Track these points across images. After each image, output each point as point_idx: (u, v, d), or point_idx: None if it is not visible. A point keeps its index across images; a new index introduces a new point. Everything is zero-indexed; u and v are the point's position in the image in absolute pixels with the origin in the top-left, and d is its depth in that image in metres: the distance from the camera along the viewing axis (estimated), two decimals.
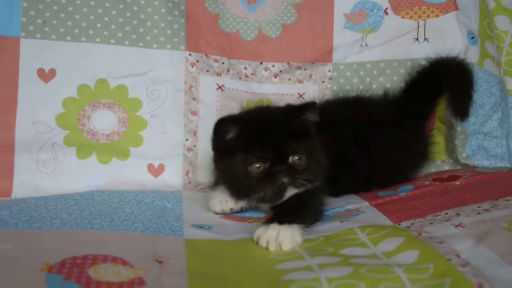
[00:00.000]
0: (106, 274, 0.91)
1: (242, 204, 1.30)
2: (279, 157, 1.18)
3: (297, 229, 1.11)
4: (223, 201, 1.29)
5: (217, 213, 1.31)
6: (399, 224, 1.16)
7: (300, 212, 1.17)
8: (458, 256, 0.94)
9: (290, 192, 1.21)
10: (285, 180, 1.18)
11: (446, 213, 1.16)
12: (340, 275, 0.90)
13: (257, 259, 1.03)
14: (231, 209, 1.29)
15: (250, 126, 1.22)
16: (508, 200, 1.18)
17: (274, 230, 1.09)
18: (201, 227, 1.20)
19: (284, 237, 1.08)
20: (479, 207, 1.16)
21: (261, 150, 1.18)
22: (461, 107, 1.48)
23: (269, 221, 1.13)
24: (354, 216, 1.26)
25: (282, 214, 1.15)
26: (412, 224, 1.14)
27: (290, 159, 1.19)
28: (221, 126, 1.21)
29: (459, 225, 1.08)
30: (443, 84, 1.53)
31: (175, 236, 1.13)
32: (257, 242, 1.09)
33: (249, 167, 1.18)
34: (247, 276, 0.96)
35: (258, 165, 1.18)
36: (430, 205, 1.24)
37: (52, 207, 1.26)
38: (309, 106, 1.25)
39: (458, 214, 1.14)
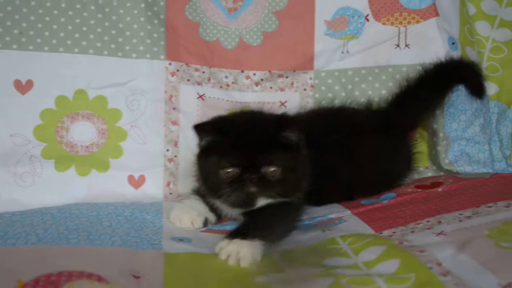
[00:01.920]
0: None
1: (197, 223, 1.27)
2: (251, 165, 1.17)
3: (259, 246, 1.07)
4: (177, 218, 1.28)
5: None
6: (381, 233, 1.15)
7: (267, 227, 1.15)
8: (439, 264, 0.93)
9: (262, 201, 1.20)
10: (253, 189, 1.17)
11: (428, 221, 1.15)
12: (320, 287, 0.89)
13: (238, 271, 1.01)
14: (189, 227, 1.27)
15: (226, 132, 1.21)
16: (490, 207, 1.17)
17: (235, 245, 1.06)
18: (180, 240, 1.18)
19: (244, 254, 1.04)
20: (461, 214, 1.15)
21: (234, 156, 1.17)
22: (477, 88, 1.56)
23: (232, 234, 1.11)
24: (336, 225, 1.24)
25: (247, 227, 1.13)
26: (394, 232, 1.13)
27: (263, 169, 1.17)
28: (196, 132, 1.22)
29: (440, 233, 1.07)
30: (456, 76, 1.57)
31: (153, 249, 1.10)
32: (217, 254, 1.07)
33: (221, 170, 1.17)
34: None
35: (229, 170, 1.17)
36: (412, 213, 1.22)
37: (28, 222, 1.22)
38: (287, 126, 1.21)
39: (440, 222, 1.13)
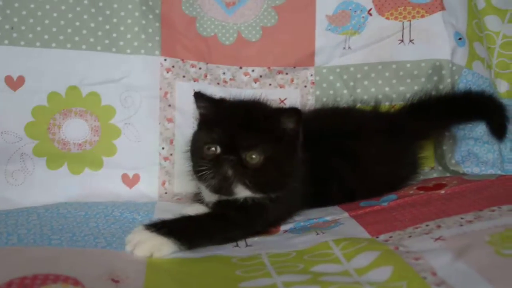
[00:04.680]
0: None
1: None
2: (232, 146, 1.13)
3: (167, 243, 1.05)
4: None
5: None
6: (377, 237, 1.09)
7: (191, 229, 1.11)
8: (434, 274, 0.87)
9: (241, 191, 1.15)
10: (230, 172, 1.12)
11: (427, 225, 1.09)
12: None
13: (220, 277, 0.97)
14: None
15: (220, 108, 1.20)
16: (493, 211, 1.10)
17: (140, 235, 1.06)
18: None
19: (143, 244, 1.04)
20: (462, 218, 1.09)
21: (217, 133, 1.14)
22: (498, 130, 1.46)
23: (150, 225, 1.08)
24: (332, 228, 1.19)
25: (167, 221, 1.10)
26: (390, 237, 1.07)
27: (244, 154, 1.13)
28: (195, 98, 1.24)
29: (439, 238, 1.01)
30: (481, 112, 1.49)
31: None
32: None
33: (205, 146, 1.15)
34: None
35: (212, 148, 1.14)
36: (411, 216, 1.16)
37: (12, 221, 1.19)
38: (285, 111, 1.19)
39: (439, 226, 1.07)
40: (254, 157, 1.13)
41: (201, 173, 1.14)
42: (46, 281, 0.88)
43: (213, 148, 1.14)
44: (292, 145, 1.19)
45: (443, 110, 1.47)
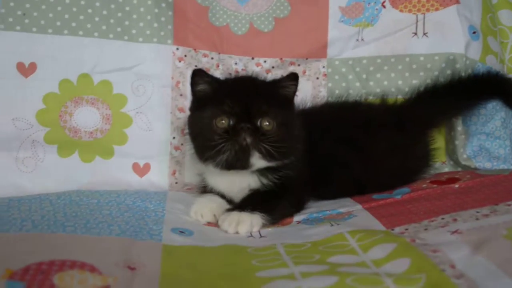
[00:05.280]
0: (71, 282, 0.85)
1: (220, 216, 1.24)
2: (246, 115, 1.15)
3: (258, 217, 1.15)
4: (198, 213, 1.23)
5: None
6: (392, 230, 1.09)
7: (265, 201, 1.18)
8: (453, 266, 0.87)
9: (258, 162, 1.18)
10: (248, 140, 1.14)
11: (443, 218, 1.09)
12: (323, 285, 0.83)
13: (237, 266, 0.96)
14: (208, 222, 1.23)
15: (223, 82, 1.25)
16: (509, 205, 1.10)
17: (235, 215, 1.15)
18: (181, 232, 1.13)
19: (243, 220, 1.14)
20: (477, 212, 1.09)
21: (229, 105, 1.16)
22: None
23: (231, 208, 1.19)
24: (346, 219, 1.19)
25: (245, 202, 1.21)
26: (406, 229, 1.07)
27: (259, 121, 1.16)
28: (193, 76, 1.23)
29: (455, 231, 1.00)
30: (492, 90, 1.50)
31: (152, 241, 1.06)
32: (220, 226, 1.16)
33: (215, 120, 1.16)
34: (225, 284, 0.89)
35: (223, 120, 1.16)
36: (426, 209, 1.16)
37: (25, 208, 1.19)
38: (286, 76, 1.26)
39: (455, 220, 1.07)
40: (268, 124, 1.17)
41: (213, 150, 1.16)
42: (63, 267, 0.88)
43: (224, 121, 1.16)
44: (293, 111, 1.26)
45: (451, 94, 1.47)
